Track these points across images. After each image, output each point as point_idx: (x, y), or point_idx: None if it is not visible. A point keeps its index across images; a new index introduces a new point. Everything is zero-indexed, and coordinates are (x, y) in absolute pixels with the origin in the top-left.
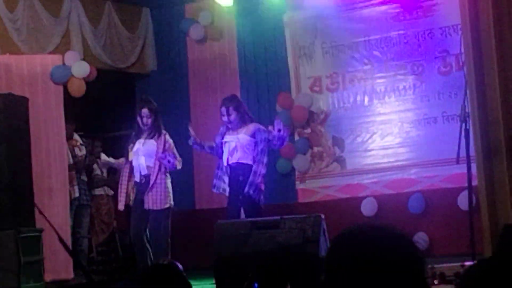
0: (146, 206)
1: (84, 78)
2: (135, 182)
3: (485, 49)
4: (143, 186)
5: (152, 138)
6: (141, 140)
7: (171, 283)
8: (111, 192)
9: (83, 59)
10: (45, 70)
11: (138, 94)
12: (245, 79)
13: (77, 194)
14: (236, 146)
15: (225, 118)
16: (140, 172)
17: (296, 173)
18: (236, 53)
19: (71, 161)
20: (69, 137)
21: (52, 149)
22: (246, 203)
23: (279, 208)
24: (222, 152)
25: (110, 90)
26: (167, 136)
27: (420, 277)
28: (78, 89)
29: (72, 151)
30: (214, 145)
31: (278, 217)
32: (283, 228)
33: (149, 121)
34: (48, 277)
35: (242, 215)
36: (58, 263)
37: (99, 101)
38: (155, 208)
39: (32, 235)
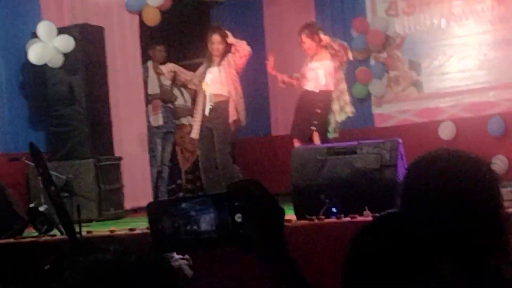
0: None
1: (158, 7)
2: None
3: None
4: (211, 113)
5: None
6: (211, 69)
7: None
8: None
9: None
10: None
11: (212, 23)
12: (320, 4)
13: (161, 122)
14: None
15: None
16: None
17: (372, 97)
18: None
19: (158, 90)
20: (161, 61)
21: (129, 78)
22: None
23: (355, 133)
24: None
25: (184, 19)
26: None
27: (496, 202)
28: (152, 17)
29: (159, 80)
30: None
31: (355, 142)
32: (360, 153)
33: (220, 47)
34: (128, 204)
35: None
36: (137, 190)
37: (174, 29)
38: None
39: (111, 163)
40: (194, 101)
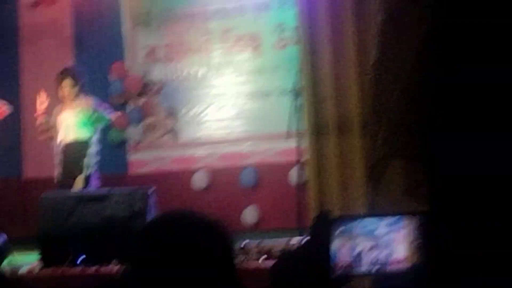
0: None
1: None
2: None
3: (320, 24)
4: None
5: None
6: None
7: None
8: None
9: None
10: None
11: None
12: (79, 46)
13: None
14: None
15: None
16: None
17: (129, 143)
18: (71, 19)
19: None
20: None
21: None
22: None
23: (108, 179)
24: None
25: None
26: None
27: (228, 262)
28: None
29: None
30: None
31: (106, 190)
32: (110, 201)
33: None
34: None
35: None
36: None
37: None
38: None
39: None
40: None
